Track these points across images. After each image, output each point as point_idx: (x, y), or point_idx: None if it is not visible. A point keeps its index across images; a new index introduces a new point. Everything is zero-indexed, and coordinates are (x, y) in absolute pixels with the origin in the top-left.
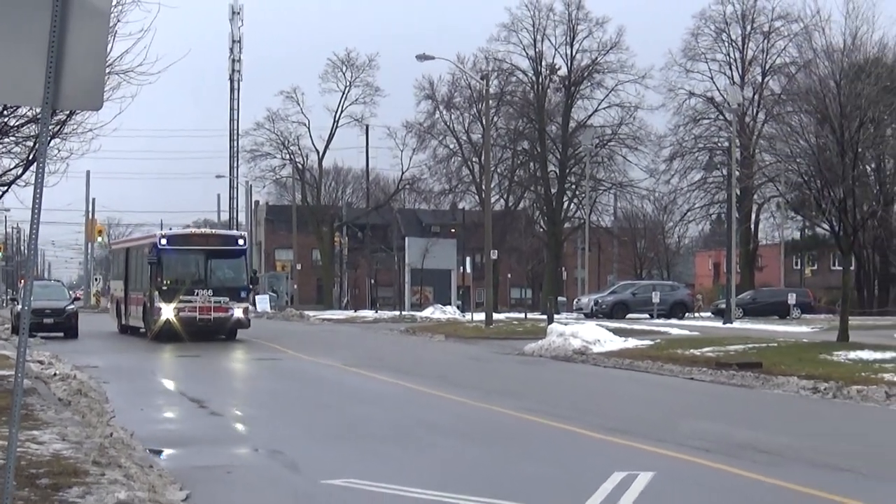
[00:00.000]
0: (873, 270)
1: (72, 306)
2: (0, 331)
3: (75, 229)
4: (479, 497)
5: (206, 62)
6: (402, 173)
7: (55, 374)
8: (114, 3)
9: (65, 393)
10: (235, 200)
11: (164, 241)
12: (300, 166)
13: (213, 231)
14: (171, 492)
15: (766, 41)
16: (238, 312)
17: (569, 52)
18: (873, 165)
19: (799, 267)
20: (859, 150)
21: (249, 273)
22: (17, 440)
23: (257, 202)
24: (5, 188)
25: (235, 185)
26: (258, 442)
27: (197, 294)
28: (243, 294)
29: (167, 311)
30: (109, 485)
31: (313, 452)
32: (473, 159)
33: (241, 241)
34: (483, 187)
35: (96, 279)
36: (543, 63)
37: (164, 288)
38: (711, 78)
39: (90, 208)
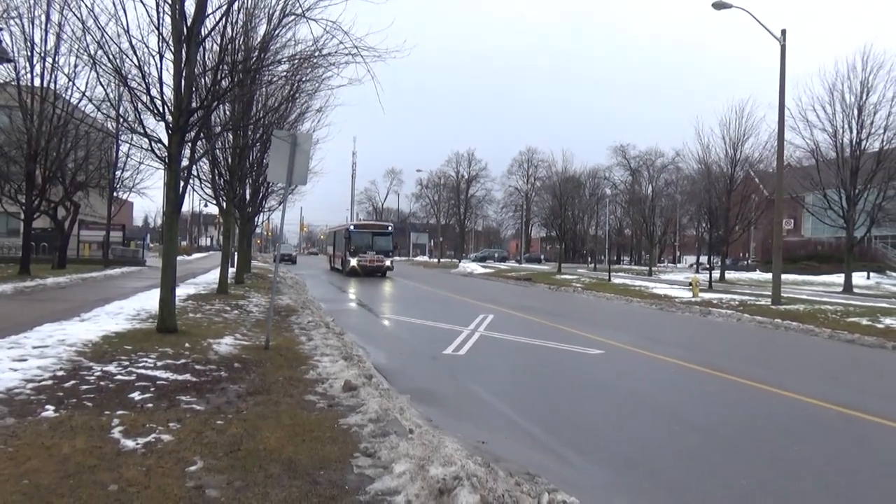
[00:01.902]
0: (572, 248)
1: (295, 253)
2: (270, 262)
3: (296, 225)
4: (433, 321)
5: (344, 161)
6: (409, 211)
7: (287, 276)
8: (313, 148)
9: (291, 283)
10: (352, 218)
11: (352, 227)
12: (376, 208)
13: (376, 222)
14: (326, 317)
15: (535, 169)
16: (387, 263)
17: (468, 170)
18: (573, 213)
19: (547, 247)
20: (575, 211)
21: (393, 243)
22: (274, 300)
23: (361, 219)
24: (272, 212)
25: (352, 214)
26: (360, 303)
27: (367, 253)
28: (390, 254)
29: (353, 261)
30: (306, 314)
31: (380, 307)
32: (435, 207)
33: (389, 228)
34: (437, 217)
35: (303, 243)
36: (459, 174)
37: (352, 249)
38: (518, 182)
39: (301, 218)
